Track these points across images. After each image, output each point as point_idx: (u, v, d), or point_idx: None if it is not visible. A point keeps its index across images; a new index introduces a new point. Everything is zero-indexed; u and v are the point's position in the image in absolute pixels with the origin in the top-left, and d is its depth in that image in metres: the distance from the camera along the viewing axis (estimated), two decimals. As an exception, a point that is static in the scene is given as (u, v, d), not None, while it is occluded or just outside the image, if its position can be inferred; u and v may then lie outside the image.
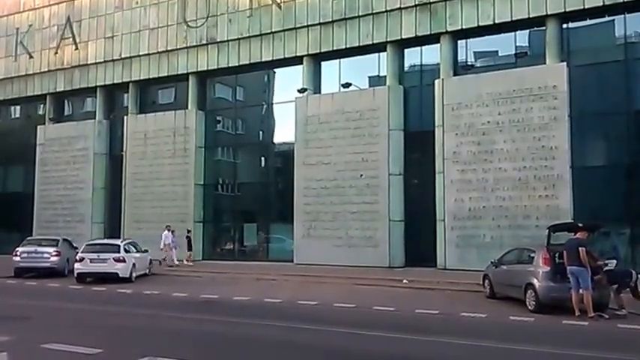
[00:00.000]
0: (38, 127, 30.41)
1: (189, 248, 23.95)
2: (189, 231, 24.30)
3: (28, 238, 23.01)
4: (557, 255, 12.62)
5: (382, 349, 8.84)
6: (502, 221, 19.62)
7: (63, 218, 28.57)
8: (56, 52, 29.89)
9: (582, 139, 19.50)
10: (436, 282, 17.39)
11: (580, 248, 11.85)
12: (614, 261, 12.55)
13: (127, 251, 19.14)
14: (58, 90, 30.19)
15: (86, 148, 28.76)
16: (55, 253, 20.20)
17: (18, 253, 20.19)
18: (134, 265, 19.00)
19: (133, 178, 27.34)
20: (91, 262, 18.54)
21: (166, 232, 23.43)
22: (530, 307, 12.53)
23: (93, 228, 27.89)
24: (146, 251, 20.69)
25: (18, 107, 33.31)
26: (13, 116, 33.81)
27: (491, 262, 15.03)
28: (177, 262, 23.09)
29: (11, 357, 7.64)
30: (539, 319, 11.66)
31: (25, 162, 30.75)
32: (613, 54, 19.67)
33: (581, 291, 11.76)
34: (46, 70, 30.24)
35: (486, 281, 15.07)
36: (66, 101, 31.45)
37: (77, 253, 19.45)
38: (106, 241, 21.94)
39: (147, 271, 20.38)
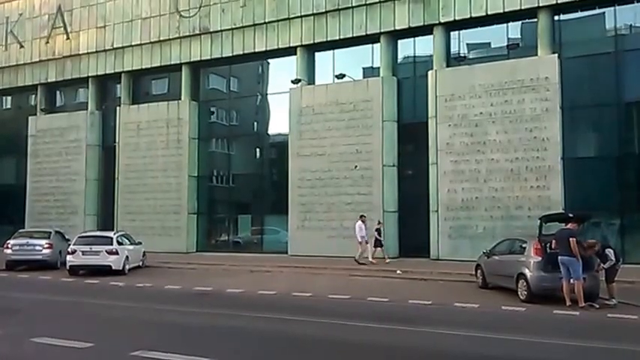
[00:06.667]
0: (29, 117, 30.19)
1: (378, 244, 19.98)
2: (379, 222, 20.40)
3: (20, 230, 22.84)
4: (548, 245, 12.71)
5: (376, 339, 8.89)
6: (494, 212, 19.74)
7: (55, 210, 28.46)
8: (47, 42, 29.63)
9: (574, 130, 19.65)
10: (429, 272, 17.49)
11: (571, 239, 11.95)
12: (612, 252, 12.47)
13: (119, 243, 19.00)
14: (49, 80, 29.97)
15: (78, 139, 28.59)
16: (47, 246, 20.09)
17: (9, 246, 20.06)
18: (127, 257, 18.88)
19: (126, 169, 27.22)
20: (83, 254, 18.36)
21: (359, 222, 20.01)
22: (521, 297, 12.65)
23: (86, 220, 27.78)
24: (139, 243, 20.64)
25: (9, 98, 33.05)
26: (3, 107, 33.54)
27: (484, 253, 15.14)
28: (370, 260, 19.57)
29: (1, 351, 7.62)
30: (531, 308, 11.78)
31: (17, 153, 30.58)
32: (604, 46, 19.73)
33: (572, 281, 11.87)
34: (37, 60, 29.98)
35: (479, 271, 15.18)
36: (57, 92, 31.24)
37: (69, 245, 19.28)
38: (98, 233, 21.74)
39: (140, 264, 20.28)
